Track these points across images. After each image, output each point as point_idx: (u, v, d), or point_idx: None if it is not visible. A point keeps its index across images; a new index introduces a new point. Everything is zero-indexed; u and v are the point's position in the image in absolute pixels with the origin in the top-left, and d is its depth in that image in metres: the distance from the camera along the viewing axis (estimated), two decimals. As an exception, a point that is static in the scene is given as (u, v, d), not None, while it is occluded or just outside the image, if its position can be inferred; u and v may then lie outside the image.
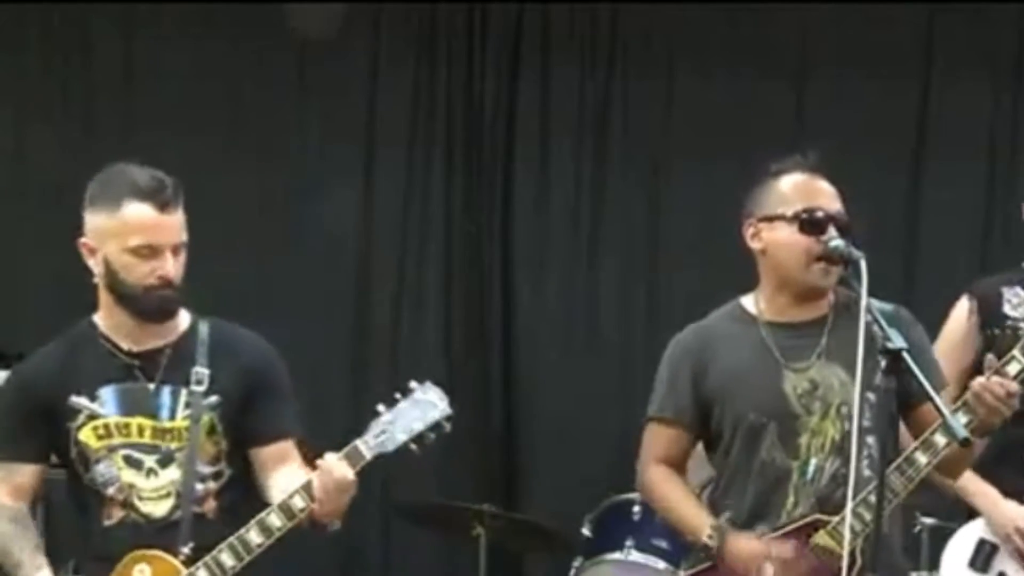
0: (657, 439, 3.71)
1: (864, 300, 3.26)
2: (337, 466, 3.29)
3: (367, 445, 3.34)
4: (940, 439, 3.38)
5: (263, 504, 3.41)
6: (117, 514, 3.43)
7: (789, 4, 6.30)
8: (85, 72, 6.19)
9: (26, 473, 3.49)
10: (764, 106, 6.36)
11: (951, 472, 3.63)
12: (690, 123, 6.39)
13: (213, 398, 3.42)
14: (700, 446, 3.78)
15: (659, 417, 3.69)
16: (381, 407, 3.38)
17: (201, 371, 3.41)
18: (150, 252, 3.34)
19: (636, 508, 5.03)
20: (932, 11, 6.37)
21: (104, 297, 3.47)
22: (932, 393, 3.17)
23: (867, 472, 3.41)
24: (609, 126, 6.45)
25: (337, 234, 6.31)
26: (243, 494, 3.48)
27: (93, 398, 3.42)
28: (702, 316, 3.79)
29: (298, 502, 3.31)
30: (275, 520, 3.32)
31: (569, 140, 6.44)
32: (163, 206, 3.35)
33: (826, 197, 3.56)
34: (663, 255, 6.42)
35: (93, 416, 3.41)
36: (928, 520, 5.25)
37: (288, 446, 3.50)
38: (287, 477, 3.41)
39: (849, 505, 3.29)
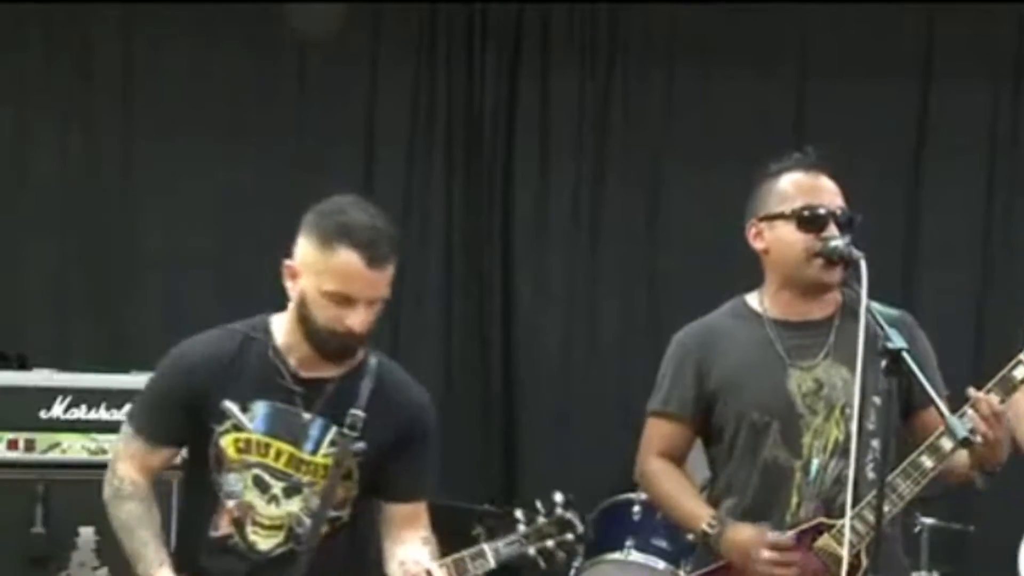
0: (658, 433, 3.70)
1: (864, 300, 3.26)
2: (427, 571, 3.24)
3: (495, 552, 3.31)
4: (946, 443, 3.37)
5: (364, 550, 3.39)
6: (225, 529, 3.35)
7: (789, 4, 6.30)
8: (85, 72, 6.19)
9: (161, 455, 3.41)
10: (764, 106, 6.37)
11: (984, 457, 3.56)
12: (690, 123, 6.39)
13: (360, 444, 3.34)
14: (699, 447, 3.78)
15: (661, 412, 3.68)
16: (519, 514, 3.34)
17: (357, 414, 3.33)
18: (344, 301, 3.22)
19: (636, 508, 5.03)
20: (932, 11, 6.37)
21: (291, 316, 3.36)
22: (932, 394, 3.16)
23: (871, 475, 3.40)
24: (609, 126, 6.45)
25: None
26: (347, 538, 3.42)
27: (245, 409, 3.33)
28: (702, 316, 3.79)
29: None
30: None
31: (569, 140, 6.44)
32: (373, 261, 3.21)
33: (827, 194, 3.56)
34: (663, 255, 6.42)
35: (239, 427, 3.33)
36: (928, 520, 5.26)
37: (419, 509, 3.45)
38: (408, 549, 3.37)
39: (849, 509, 3.28)
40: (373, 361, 3.41)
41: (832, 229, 3.49)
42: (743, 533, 3.47)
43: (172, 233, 6.10)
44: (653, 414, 3.71)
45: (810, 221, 3.50)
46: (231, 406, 3.33)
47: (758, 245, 3.61)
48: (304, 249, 3.29)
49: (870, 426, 3.44)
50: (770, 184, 3.61)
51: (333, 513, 3.37)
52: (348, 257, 3.20)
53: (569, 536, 3.32)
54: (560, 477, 6.16)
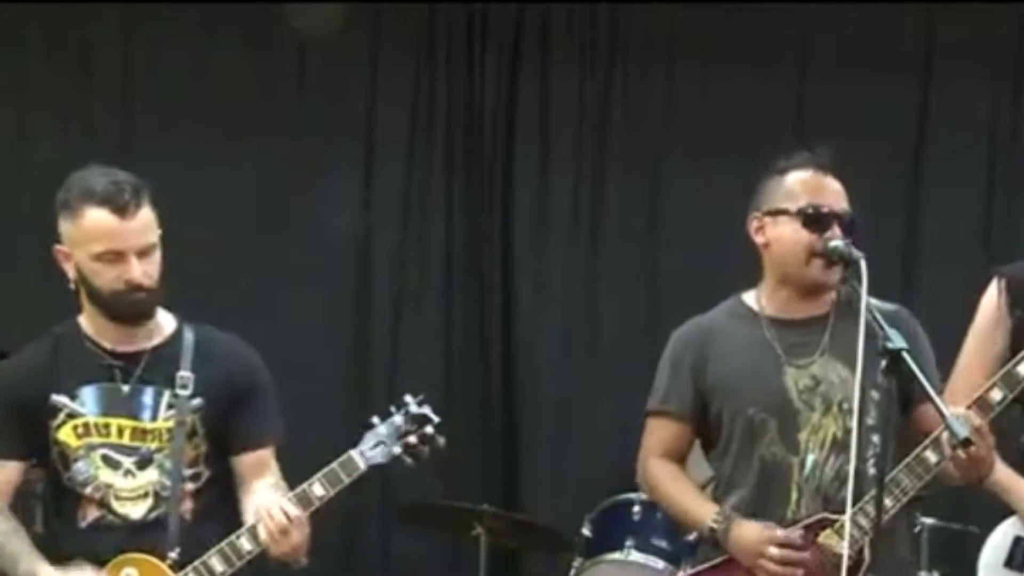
0: (658, 433, 3.71)
1: (864, 300, 3.26)
2: (280, 510, 3.30)
3: (363, 456, 3.37)
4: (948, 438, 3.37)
5: (240, 505, 3.44)
6: (93, 514, 3.44)
7: (789, 4, 6.30)
8: (85, 72, 6.19)
9: (8, 470, 3.50)
10: (764, 106, 6.36)
11: (970, 471, 3.57)
12: (690, 123, 6.39)
13: (197, 401, 3.44)
14: (698, 446, 3.78)
15: (660, 411, 3.69)
16: (376, 419, 3.41)
17: (186, 375, 3.43)
18: (114, 257, 3.35)
19: (636, 508, 5.03)
20: (932, 11, 6.37)
21: (84, 300, 3.48)
22: (932, 393, 3.17)
23: (872, 471, 3.41)
24: (609, 126, 6.45)
25: (337, 234, 6.31)
26: (221, 495, 3.49)
27: (73, 397, 3.44)
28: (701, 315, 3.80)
29: (245, 544, 3.35)
30: (217, 566, 3.34)
31: (569, 140, 6.43)
32: (121, 211, 3.35)
33: (832, 195, 3.57)
34: (663, 255, 6.41)
35: (73, 415, 3.43)
36: (928, 520, 5.26)
37: (265, 455, 3.52)
38: (258, 496, 3.42)
39: (849, 505, 3.29)
40: (188, 328, 3.53)
41: (835, 230, 3.50)
42: (750, 530, 3.48)
43: (172, 233, 6.08)
44: (652, 414, 3.73)
45: (815, 221, 3.51)
46: (60, 398, 3.43)
47: (759, 239, 3.62)
48: (63, 228, 3.42)
49: (870, 421, 3.44)
50: (777, 180, 3.61)
51: (189, 471, 3.45)
52: (96, 215, 3.35)
53: (428, 429, 3.41)
54: (560, 477, 6.19)
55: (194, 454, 3.46)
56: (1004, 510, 4.11)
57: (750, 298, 3.68)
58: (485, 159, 6.42)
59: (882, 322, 3.21)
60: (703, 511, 3.57)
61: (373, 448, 3.38)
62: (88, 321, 3.50)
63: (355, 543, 6.22)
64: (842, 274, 3.47)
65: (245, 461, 3.50)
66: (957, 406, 3.33)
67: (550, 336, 6.40)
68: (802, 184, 3.58)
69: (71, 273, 3.43)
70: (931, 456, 3.41)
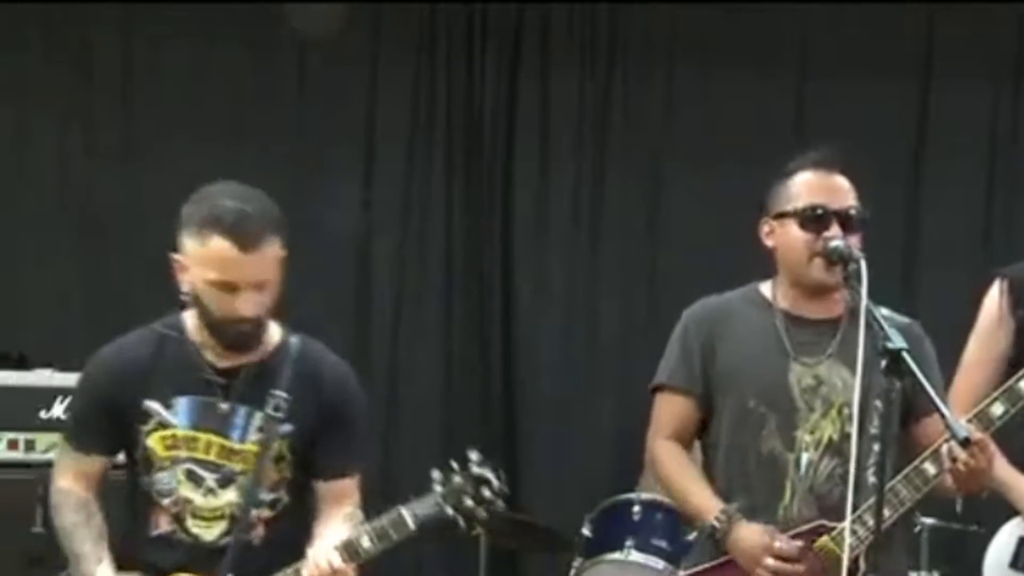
0: (667, 410, 3.68)
1: (864, 300, 3.26)
2: (327, 560, 3.23)
3: (413, 515, 3.28)
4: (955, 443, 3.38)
5: (311, 536, 3.39)
6: (165, 526, 3.37)
7: (789, 4, 6.30)
8: (85, 72, 6.19)
9: (94, 463, 3.42)
10: (764, 106, 6.37)
11: (968, 484, 3.56)
12: (690, 123, 6.39)
13: (287, 426, 3.34)
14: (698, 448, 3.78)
15: (670, 385, 3.67)
16: (436, 474, 3.30)
17: (280, 396, 3.33)
18: (228, 289, 3.24)
19: (636, 508, 5.03)
20: (932, 11, 6.37)
21: (194, 309, 3.37)
22: (933, 395, 3.16)
23: (872, 479, 3.40)
24: (609, 126, 6.45)
25: (337, 234, 6.32)
26: (295, 525, 3.41)
27: (168, 406, 3.35)
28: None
29: None
30: None
31: (569, 140, 6.44)
32: (244, 246, 3.21)
33: (837, 193, 3.55)
34: (663, 255, 6.42)
35: (163, 424, 3.35)
36: (928, 520, 5.26)
37: (348, 485, 3.45)
38: (332, 526, 3.37)
39: (849, 513, 3.28)
40: (294, 342, 3.43)
41: (835, 229, 3.49)
42: (751, 535, 3.47)
43: (172, 233, 6.08)
44: (660, 388, 3.69)
45: (812, 221, 3.50)
46: (153, 405, 3.35)
47: (769, 243, 3.62)
48: (184, 243, 3.31)
49: (872, 429, 3.44)
50: (782, 182, 3.61)
51: (270, 496, 3.38)
52: (219, 245, 3.22)
53: (487, 492, 3.30)
54: (560, 477, 6.19)
55: (278, 478, 3.38)
56: (1004, 510, 4.12)
57: (766, 288, 3.67)
58: (485, 159, 6.42)
59: (883, 322, 3.20)
60: (707, 507, 3.56)
61: (427, 508, 3.27)
62: (196, 329, 3.38)
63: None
64: (843, 274, 3.47)
65: (328, 489, 3.43)
66: (958, 414, 3.33)
67: (550, 336, 6.40)
68: (804, 185, 3.58)
69: (185, 286, 3.32)
70: (930, 468, 3.41)
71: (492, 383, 6.38)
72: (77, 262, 6.11)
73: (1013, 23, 6.41)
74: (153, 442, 3.35)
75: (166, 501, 3.36)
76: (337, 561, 3.23)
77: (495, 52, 6.41)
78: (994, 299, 3.91)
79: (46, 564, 4.77)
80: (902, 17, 6.34)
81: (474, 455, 3.33)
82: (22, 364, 5.19)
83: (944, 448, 3.32)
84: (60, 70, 6.17)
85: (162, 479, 3.36)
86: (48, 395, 4.87)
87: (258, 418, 3.34)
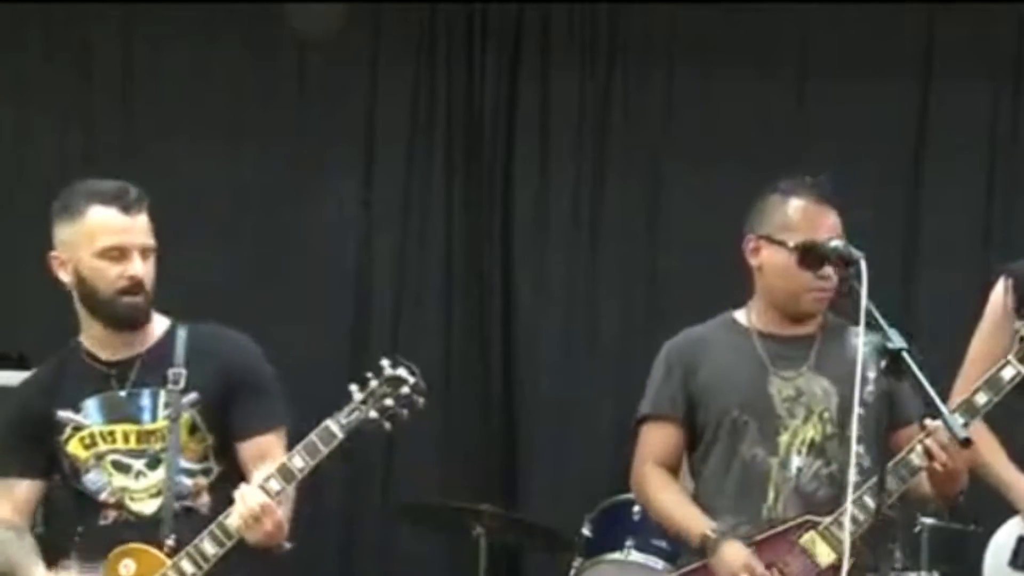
0: (651, 439, 3.74)
1: (864, 300, 3.27)
2: (248, 496, 3.29)
3: (339, 424, 3.36)
4: (934, 441, 3.40)
5: None
6: (111, 515, 3.49)
7: (789, 4, 6.30)
8: (85, 72, 6.19)
9: (24, 488, 3.55)
10: (764, 106, 6.36)
11: (944, 485, 3.58)
12: (690, 123, 6.39)
13: (192, 395, 3.46)
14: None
15: (652, 415, 3.74)
16: (353, 386, 3.40)
17: (177, 371, 3.47)
18: (119, 254, 3.40)
19: (636, 508, 5.02)
20: (932, 11, 6.37)
21: (81, 312, 3.53)
22: (931, 392, 3.17)
23: (856, 477, 3.42)
24: (609, 126, 6.45)
25: (337, 234, 6.32)
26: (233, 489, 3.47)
27: (77, 410, 3.49)
28: (702, 316, 3.82)
29: (231, 524, 3.34)
30: (208, 548, 3.36)
31: (569, 140, 6.43)
32: (127, 208, 3.41)
33: (829, 229, 3.56)
34: (663, 255, 6.41)
35: (78, 427, 3.48)
36: (928, 520, 5.26)
37: (269, 441, 3.50)
38: (261, 471, 3.41)
39: (849, 507, 3.30)
40: (182, 327, 3.56)
41: (828, 268, 3.50)
42: (735, 553, 3.50)
43: (171, 233, 6.08)
44: (644, 419, 3.76)
45: (812, 260, 3.51)
46: (65, 413, 3.49)
47: (753, 261, 3.66)
48: (61, 233, 3.46)
49: (854, 432, 3.46)
50: (775, 203, 3.63)
51: (198, 465, 3.48)
52: (102, 212, 3.40)
53: (404, 390, 3.41)
54: (560, 477, 6.19)
55: (200, 448, 3.49)
56: (1004, 510, 4.12)
57: (740, 315, 3.75)
58: (485, 159, 6.42)
59: (883, 323, 3.21)
60: (696, 522, 3.59)
61: (349, 415, 3.36)
62: (85, 335, 3.55)
63: (355, 543, 6.22)
64: (842, 274, 3.47)
65: (246, 449, 3.50)
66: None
67: (550, 336, 6.40)
68: (802, 216, 3.58)
69: (67, 279, 3.47)
70: (915, 459, 3.43)
71: (492, 383, 6.38)
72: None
73: (1013, 23, 6.40)
74: (73, 447, 3.48)
75: (103, 495, 3.48)
76: (260, 496, 3.28)
77: (495, 52, 6.41)
78: (999, 296, 3.93)
79: (46, 564, 4.78)
80: (902, 17, 6.33)
81: (385, 361, 3.45)
82: (22, 364, 5.19)
83: (921, 447, 3.35)
84: (60, 70, 6.17)
85: (92, 479, 3.48)
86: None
87: (163, 395, 3.46)
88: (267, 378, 3.57)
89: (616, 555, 5.00)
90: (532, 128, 6.42)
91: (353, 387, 3.39)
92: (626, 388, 6.12)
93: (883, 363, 3.15)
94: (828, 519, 3.45)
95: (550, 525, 5.34)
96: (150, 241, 3.46)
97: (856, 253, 3.41)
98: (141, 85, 6.19)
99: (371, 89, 6.36)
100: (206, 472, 3.49)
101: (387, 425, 3.39)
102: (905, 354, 3.12)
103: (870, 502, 3.37)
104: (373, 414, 3.37)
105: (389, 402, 3.39)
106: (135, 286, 3.41)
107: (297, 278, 6.18)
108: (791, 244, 3.54)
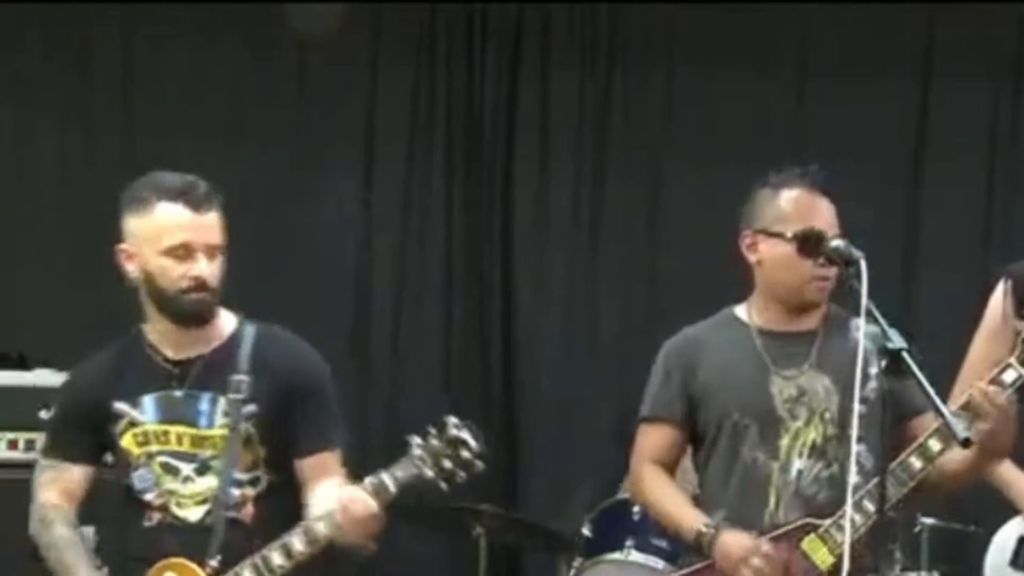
0: (649, 440, 3.74)
1: (864, 300, 3.27)
2: (359, 498, 3.25)
3: (394, 479, 3.28)
4: (935, 444, 3.39)
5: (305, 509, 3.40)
6: (156, 517, 3.43)
7: (789, 4, 6.30)
8: (85, 72, 6.19)
9: (76, 473, 3.50)
10: (764, 106, 6.37)
11: (952, 481, 3.58)
12: (690, 123, 6.39)
13: (251, 407, 3.38)
14: (688, 461, 3.80)
15: (651, 416, 3.73)
16: (415, 439, 3.31)
17: (240, 379, 3.38)
18: (184, 253, 3.32)
19: (636, 508, 5.02)
20: (932, 11, 6.37)
21: (147, 305, 3.44)
22: (931, 392, 3.16)
23: (856, 478, 3.41)
24: (609, 126, 6.45)
25: (337, 234, 6.32)
26: (284, 502, 3.44)
27: (135, 404, 3.42)
28: (702, 316, 3.81)
29: (321, 529, 3.29)
30: (297, 544, 3.29)
31: (569, 140, 6.44)
32: (195, 205, 3.35)
33: (824, 217, 3.56)
34: (663, 255, 6.42)
35: (133, 423, 3.42)
36: (928, 520, 5.26)
37: (328, 459, 3.46)
38: (322, 494, 3.38)
39: (849, 514, 3.29)
40: (250, 329, 3.48)
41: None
42: (736, 540, 3.49)
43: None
44: (643, 420, 3.76)
45: (811, 248, 3.50)
46: (122, 406, 3.42)
47: (752, 256, 3.64)
48: (130, 225, 3.39)
49: (855, 432, 3.45)
50: (768, 197, 3.62)
51: (247, 475, 3.41)
52: (170, 208, 3.34)
53: (465, 454, 3.32)
54: (560, 477, 6.19)
55: (251, 458, 3.41)
56: (1004, 510, 4.12)
57: (741, 311, 3.72)
58: (485, 159, 6.42)
59: (883, 323, 3.21)
60: (692, 518, 3.59)
61: (406, 471, 3.28)
62: (150, 327, 3.46)
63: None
64: (842, 274, 3.47)
65: (306, 466, 3.44)
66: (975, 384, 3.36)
67: (550, 336, 6.40)
68: (796, 206, 3.58)
69: (133, 273, 3.39)
70: (916, 462, 3.42)
71: (492, 383, 6.38)
72: (77, 262, 6.11)
73: (1013, 23, 6.40)
74: (126, 442, 3.43)
75: (149, 496, 3.42)
76: (372, 503, 3.24)
77: (495, 52, 6.41)
78: (998, 299, 3.93)
79: (46, 564, 4.79)
80: (902, 17, 6.33)
81: (452, 419, 3.35)
82: (22, 364, 5.19)
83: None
84: (60, 70, 6.17)
85: (141, 476, 3.43)
86: (48, 395, 4.84)
87: (222, 403, 3.39)
88: (327, 392, 3.50)
89: (616, 555, 5.00)
90: (532, 128, 6.42)
91: (414, 440, 3.30)
92: (626, 388, 6.12)
93: (883, 363, 3.15)
94: (828, 522, 3.44)
95: (550, 525, 5.34)
96: (217, 240, 3.39)
97: (856, 253, 3.41)
98: (141, 85, 6.19)
99: (371, 89, 6.36)
100: (254, 482, 3.42)
101: (443, 485, 3.32)
102: (905, 354, 3.12)
103: (870, 506, 3.36)
104: (430, 473, 3.29)
105: (448, 464, 3.30)
106: (199, 286, 3.34)
107: (297, 278, 6.18)
108: (788, 234, 3.53)
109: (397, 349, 6.35)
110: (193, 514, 3.40)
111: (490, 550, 5.20)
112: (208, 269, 3.35)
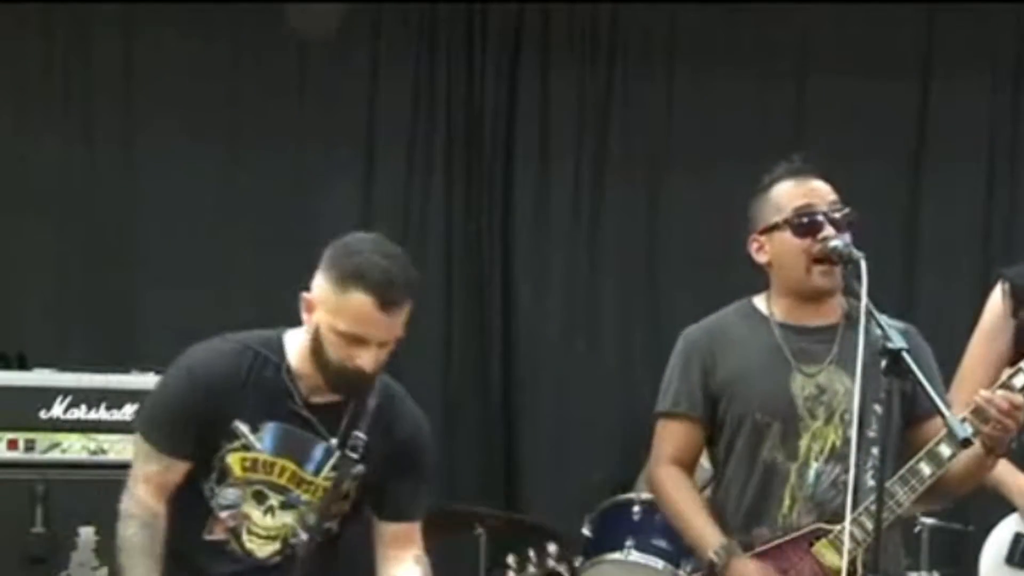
0: (670, 436, 3.70)
1: (864, 300, 3.27)
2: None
3: None
4: (945, 449, 3.39)
5: (356, 560, 3.44)
6: (219, 534, 3.40)
7: (789, 4, 6.30)
8: (85, 72, 6.18)
9: (179, 471, 3.41)
10: (764, 106, 6.37)
11: (961, 484, 3.58)
12: (690, 123, 6.39)
13: (360, 467, 3.39)
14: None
15: (672, 412, 3.68)
16: (510, 558, 3.35)
17: (359, 437, 3.38)
18: (357, 342, 3.27)
19: (636, 508, 5.03)
20: (932, 11, 6.37)
21: (306, 344, 3.38)
22: (931, 393, 3.16)
23: (871, 482, 3.41)
24: (609, 126, 6.45)
25: (337, 234, 6.30)
26: (333, 554, 3.47)
27: (255, 430, 3.37)
28: (702, 315, 3.80)
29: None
30: (925, 469, 3.32)
31: (569, 140, 6.44)
32: (385, 305, 3.28)
33: (817, 195, 3.56)
34: (663, 256, 6.42)
35: (247, 447, 3.37)
36: (928, 520, 5.26)
37: (411, 529, 3.49)
38: (404, 568, 3.44)
39: (849, 514, 3.29)
40: (379, 382, 3.44)
41: (828, 229, 3.50)
42: (745, 570, 3.48)
43: (172, 233, 6.09)
44: (663, 415, 3.71)
45: (805, 226, 3.51)
46: (242, 427, 3.36)
47: (761, 259, 3.63)
48: (320, 286, 3.35)
49: (871, 434, 3.45)
50: (764, 197, 3.63)
51: (326, 525, 3.43)
52: (361, 300, 3.26)
53: None
54: (560, 477, 6.19)
55: (337, 511, 3.44)
56: (999, 509, 4.12)
57: (760, 302, 3.69)
58: (485, 159, 6.42)
59: (883, 323, 3.20)
60: (707, 540, 3.56)
61: None
62: (297, 356, 3.40)
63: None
64: (844, 272, 3.47)
65: (391, 529, 3.47)
66: (958, 412, 3.34)
67: (550, 335, 6.40)
68: (786, 194, 3.59)
69: (307, 322, 3.35)
70: (925, 468, 3.42)
71: (492, 382, 6.38)
72: (77, 262, 6.11)
73: (1013, 23, 6.41)
74: (232, 461, 3.37)
75: (225, 514, 3.39)
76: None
77: (495, 52, 6.41)
78: (996, 302, 3.93)
79: (46, 564, 4.79)
80: (902, 17, 6.34)
81: (552, 547, 3.37)
82: (22, 364, 5.19)
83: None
84: (60, 70, 6.16)
85: (229, 494, 3.39)
86: (48, 395, 4.86)
87: (335, 457, 3.38)
88: (431, 466, 3.52)
89: (616, 555, 4.99)
90: (532, 128, 6.41)
91: (510, 561, 3.36)
92: (626, 388, 6.15)
93: (883, 363, 3.14)
94: (838, 527, 3.41)
95: (550, 525, 5.34)
96: (395, 335, 3.34)
97: (856, 253, 3.41)
98: (141, 85, 6.19)
99: (371, 89, 6.36)
100: (326, 533, 3.44)
101: None
102: (905, 354, 3.12)
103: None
104: None
105: None
106: (360, 375, 3.29)
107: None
108: (782, 220, 3.54)
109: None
110: (261, 550, 3.40)
111: (490, 550, 5.19)
112: (373, 360, 3.29)
